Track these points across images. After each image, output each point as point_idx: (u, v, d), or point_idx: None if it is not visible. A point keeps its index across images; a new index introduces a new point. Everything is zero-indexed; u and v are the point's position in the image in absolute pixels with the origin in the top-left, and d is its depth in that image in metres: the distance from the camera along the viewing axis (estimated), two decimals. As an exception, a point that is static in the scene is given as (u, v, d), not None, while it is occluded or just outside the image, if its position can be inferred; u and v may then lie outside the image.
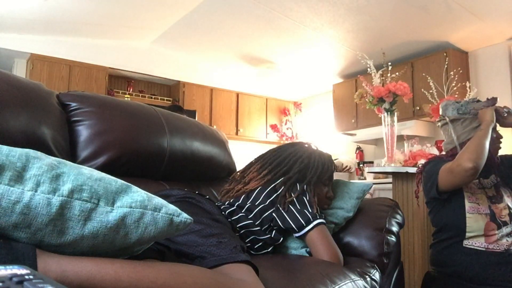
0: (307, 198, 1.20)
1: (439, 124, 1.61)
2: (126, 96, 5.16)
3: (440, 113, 1.59)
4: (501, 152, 1.59)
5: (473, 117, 1.50)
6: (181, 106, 4.58)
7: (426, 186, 1.53)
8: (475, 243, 1.40)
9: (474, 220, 1.41)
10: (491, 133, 1.44)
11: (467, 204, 1.43)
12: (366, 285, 1.11)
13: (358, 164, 5.40)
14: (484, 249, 1.38)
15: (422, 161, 2.49)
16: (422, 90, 3.20)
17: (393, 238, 1.36)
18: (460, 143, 1.51)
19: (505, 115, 1.49)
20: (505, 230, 1.38)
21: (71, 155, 1.23)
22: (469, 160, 1.35)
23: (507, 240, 1.37)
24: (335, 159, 1.44)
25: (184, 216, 0.64)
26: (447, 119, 1.54)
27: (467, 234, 1.42)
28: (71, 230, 0.55)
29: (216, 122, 5.68)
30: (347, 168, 1.74)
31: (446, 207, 1.49)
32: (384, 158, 2.73)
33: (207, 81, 5.74)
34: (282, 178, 1.25)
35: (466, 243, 1.41)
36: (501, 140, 1.52)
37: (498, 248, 1.36)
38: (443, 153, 1.61)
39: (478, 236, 1.40)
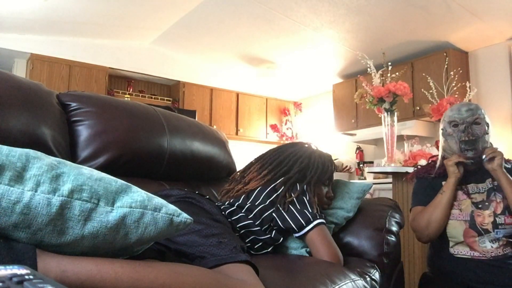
0: (307, 198, 1.20)
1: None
2: (126, 96, 5.16)
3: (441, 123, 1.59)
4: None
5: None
6: (172, 108, 4.56)
7: (412, 198, 1.58)
8: (461, 252, 1.40)
9: (453, 226, 1.41)
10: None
11: None
12: (366, 285, 1.11)
13: (358, 164, 5.40)
14: (470, 257, 1.38)
15: (422, 161, 2.49)
16: (422, 90, 3.20)
17: (393, 238, 1.36)
18: (442, 156, 1.55)
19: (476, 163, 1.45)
20: (487, 237, 1.36)
21: (71, 155, 1.23)
22: (422, 235, 1.46)
23: (491, 247, 1.36)
24: (335, 159, 1.44)
25: (184, 216, 0.64)
26: (441, 131, 1.55)
27: (450, 240, 1.42)
28: (71, 230, 0.55)
29: (216, 122, 5.68)
30: (347, 168, 1.74)
31: None
32: (384, 158, 2.73)
33: (207, 81, 5.74)
34: (282, 178, 1.25)
35: (452, 251, 1.42)
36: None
37: (484, 256, 1.36)
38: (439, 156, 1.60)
39: (461, 243, 1.40)
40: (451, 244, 1.43)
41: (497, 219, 1.37)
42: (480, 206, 1.41)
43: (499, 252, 1.36)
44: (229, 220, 1.14)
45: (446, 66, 3.34)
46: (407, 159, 2.64)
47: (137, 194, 0.62)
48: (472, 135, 1.43)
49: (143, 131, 1.38)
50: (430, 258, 1.54)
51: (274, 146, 1.56)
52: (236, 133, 5.90)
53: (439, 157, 1.56)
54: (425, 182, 1.55)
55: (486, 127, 1.46)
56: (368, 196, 2.15)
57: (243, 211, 1.19)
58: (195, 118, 5.05)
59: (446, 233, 1.43)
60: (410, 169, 2.40)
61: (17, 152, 0.56)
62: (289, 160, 1.30)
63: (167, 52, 5.35)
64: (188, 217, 0.65)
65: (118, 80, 5.36)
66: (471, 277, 1.36)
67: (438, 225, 1.41)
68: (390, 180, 2.81)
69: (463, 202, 1.43)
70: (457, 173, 1.44)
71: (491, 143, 1.49)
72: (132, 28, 4.71)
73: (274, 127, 6.28)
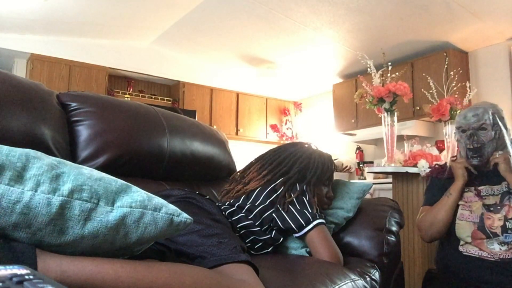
0: (307, 198, 1.20)
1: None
2: (126, 96, 5.16)
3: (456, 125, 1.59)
4: None
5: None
6: (177, 109, 4.57)
7: (424, 197, 1.59)
8: (470, 251, 1.39)
9: (461, 227, 1.41)
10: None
11: (459, 211, 1.43)
12: (366, 285, 1.11)
13: (358, 164, 5.40)
14: (478, 256, 1.38)
15: (422, 161, 2.49)
16: (422, 90, 3.19)
17: (393, 238, 1.36)
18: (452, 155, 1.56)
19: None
20: (495, 240, 1.35)
21: (71, 155, 1.23)
22: (425, 235, 1.48)
23: (500, 249, 1.35)
24: (335, 159, 1.43)
25: (184, 216, 0.64)
26: (453, 135, 1.58)
27: (460, 240, 1.42)
28: (71, 230, 0.55)
29: (216, 122, 5.68)
30: (347, 168, 1.74)
31: None
32: (384, 158, 2.73)
33: (207, 81, 5.74)
34: (282, 178, 1.25)
35: (462, 249, 1.41)
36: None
37: (492, 257, 1.35)
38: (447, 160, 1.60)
39: (469, 244, 1.40)
40: (461, 242, 1.42)
41: (507, 223, 1.35)
42: (491, 209, 1.39)
43: (508, 255, 1.34)
44: (229, 220, 1.14)
45: (446, 66, 3.34)
46: (407, 159, 2.64)
47: (137, 194, 0.62)
48: (477, 143, 1.42)
49: (143, 131, 1.38)
50: (438, 254, 1.53)
51: (274, 146, 1.56)
52: (236, 133, 5.90)
53: (448, 159, 1.57)
54: (438, 182, 1.55)
55: (493, 133, 1.43)
56: (368, 196, 2.15)
57: (243, 212, 1.19)
58: (195, 118, 5.06)
59: (451, 233, 1.43)
60: (410, 169, 2.41)
61: (17, 152, 0.56)
62: (289, 160, 1.30)
63: (167, 52, 5.35)
64: (188, 217, 0.65)
65: (118, 80, 5.35)
66: (476, 276, 1.36)
67: (441, 226, 1.42)
68: (390, 180, 2.81)
69: (474, 204, 1.42)
70: (465, 176, 1.44)
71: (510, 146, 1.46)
72: (132, 28, 4.71)
73: (274, 127, 6.28)
